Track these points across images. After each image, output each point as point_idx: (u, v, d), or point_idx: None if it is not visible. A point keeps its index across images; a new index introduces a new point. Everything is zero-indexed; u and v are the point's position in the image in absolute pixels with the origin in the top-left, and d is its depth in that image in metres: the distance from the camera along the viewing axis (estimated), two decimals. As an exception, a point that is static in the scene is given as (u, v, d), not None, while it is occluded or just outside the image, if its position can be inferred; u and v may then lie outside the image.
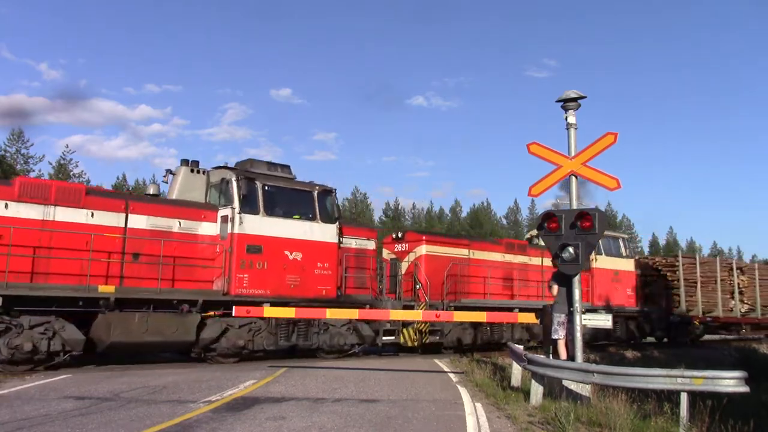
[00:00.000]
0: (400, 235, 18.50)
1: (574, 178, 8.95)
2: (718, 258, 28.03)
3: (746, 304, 26.11)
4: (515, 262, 19.57)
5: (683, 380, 6.52)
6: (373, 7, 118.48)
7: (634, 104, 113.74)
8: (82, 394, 8.61)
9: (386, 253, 18.15)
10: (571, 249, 8.38)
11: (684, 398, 6.48)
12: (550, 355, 9.98)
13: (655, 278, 24.26)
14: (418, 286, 16.82)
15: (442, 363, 13.98)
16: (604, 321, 10.56)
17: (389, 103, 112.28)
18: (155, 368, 12.17)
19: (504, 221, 76.36)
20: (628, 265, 22.49)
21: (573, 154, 8.99)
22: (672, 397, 6.89)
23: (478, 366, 12.16)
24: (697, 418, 6.34)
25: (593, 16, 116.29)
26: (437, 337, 16.62)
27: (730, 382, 6.41)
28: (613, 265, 21.62)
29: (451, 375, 11.74)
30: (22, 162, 42.20)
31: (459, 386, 10.12)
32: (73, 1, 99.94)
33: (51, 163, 42.96)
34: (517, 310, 17.61)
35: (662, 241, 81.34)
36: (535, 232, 20.62)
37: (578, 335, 8.52)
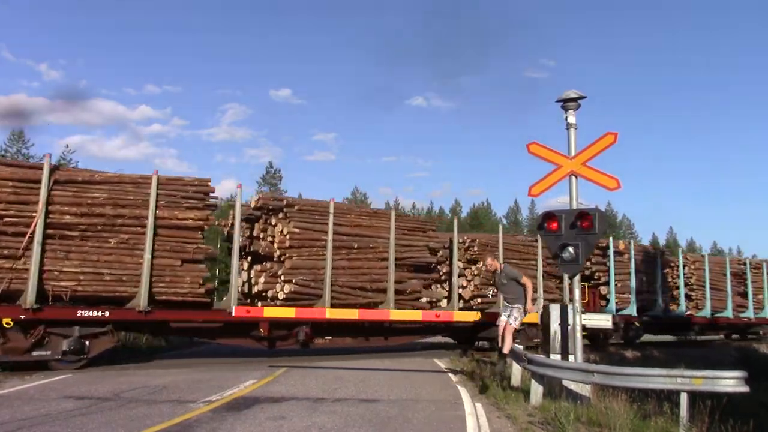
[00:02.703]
0: None
1: (574, 178, 8.95)
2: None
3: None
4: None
5: (683, 380, 6.51)
6: (372, 8, 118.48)
7: (634, 104, 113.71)
8: (82, 394, 8.61)
9: None
10: (571, 249, 8.38)
11: (684, 398, 6.47)
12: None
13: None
14: None
15: (441, 363, 13.97)
16: (604, 321, 10.59)
17: (389, 103, 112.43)
18: (155, 368, 12.18)
19: (504, 221, 76.37)
20: None
21: (573, 154, 9.00)
22: (672, 397, 6.89)
23: (478, 366, 12.16)
24: (697, 418, 6.34)
25: (593, 16, 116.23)
26: None
27: (730, 381, 6.41)
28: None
29: (451, 375, 11.74)
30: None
31: (459, 386, 10.12)
32: (74, 1, 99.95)
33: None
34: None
35: (662, 241, 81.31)
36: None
37: (578, 335, 8.52)
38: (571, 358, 8.64)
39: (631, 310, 21.27)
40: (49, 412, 7.28)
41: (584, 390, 8.07)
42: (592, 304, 20.59)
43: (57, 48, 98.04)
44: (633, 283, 21.55)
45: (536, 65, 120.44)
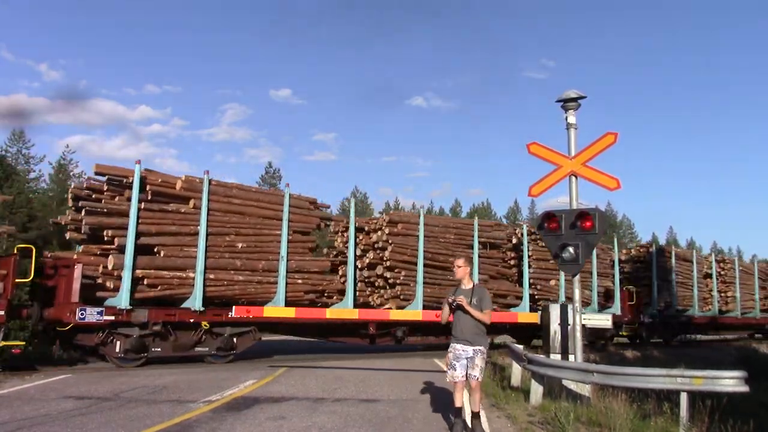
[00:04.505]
0: None
1: (574, 178, 8.95)
2: None
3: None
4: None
5: (683, 380, 6.52)
6: (372, 8, 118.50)
7: (634, 104, 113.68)
8: (82, 394, 8.61)
9: None
10: (571, 249, 8.37)
11: (684, 398, 6.47)
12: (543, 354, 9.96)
13: None
14: None
15: (442, 363, 13.96)
16: (604, 321, 10.58)
17: (388, 103, 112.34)
18: (155, 368, 12.18)
19: (504, 221, 76.35)
20: None
21: (573, 154, 9.00)
22: (672, 397, 6.89)
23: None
24: (696, 418, 6.34)
25: (593, 15, 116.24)
26: None
27: (729, 381, 6.41)
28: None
29: (451, 375, 11.72)
30: (23, 162, 42.17)
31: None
32: (73, 1, 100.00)
33: (51, 163, 42.88)
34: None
35: (662, 241, 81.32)
36: None
37: (578, 335, 8.52)
38: (571, 357, 8.64)
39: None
40: (49, 412, 7.28)
41: (584, 390, 8.07)
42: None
43: (57, 48, 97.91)
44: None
45: (536, 65, 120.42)
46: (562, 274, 18.36)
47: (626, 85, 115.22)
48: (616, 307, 21.53)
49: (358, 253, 16.80)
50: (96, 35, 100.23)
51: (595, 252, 19.72)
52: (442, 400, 8.66)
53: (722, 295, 26.13)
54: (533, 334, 18.68)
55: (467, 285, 6.45)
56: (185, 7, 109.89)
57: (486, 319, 6.27)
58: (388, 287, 16.69)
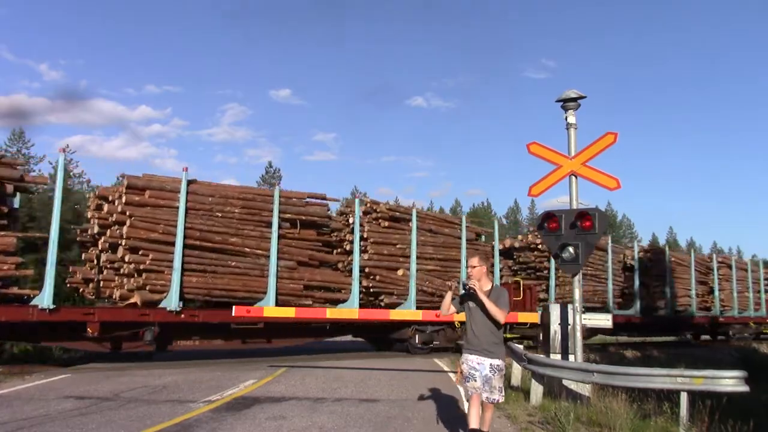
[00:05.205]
0: None
1: (574, 178, 8.95)
2: None
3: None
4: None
5: (683, 380, 6.52)
6: (372, 8, 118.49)
7: (634, 104, 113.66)
8: (82, 394, 8.61)
9: None
10: (571, 249, 8.37)
11: (684, 398, 6.48)
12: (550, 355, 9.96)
13: None
14: None
15: (442, 363, 13.98)
16: (604, 321, 10.57)
17: (388, 103, 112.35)
18: (155, 368, 12.17)
19: (504, 221, 76.33)
20: None
21: (573, 154, 9.00)
22: (672, 396, 6.88)
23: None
24: (696, 418, 6.34)
25: (593, 15, 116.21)
26: None
27: (729, 381, 6.41)
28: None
29: (451, 375, 11.72)
30: (23, 162, 42.19)
31: (459, 386, 10.11)
32: (73, 1, 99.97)
33: (51, 163, 42.84)
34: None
35: (662, 241, 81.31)
36: None
37: (578, 335, 8.52)
38: (571, 357, 8.64)
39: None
40: (49, 412, 7.28)
41: (584, 390, 8.08)
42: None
43: (57, 48, 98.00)
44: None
45: (536, 65, 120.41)
46: (414, 262, 16.07)
47: (626, 85, 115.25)
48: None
49: (96, 230, 13.24)
50: (96, 35, 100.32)
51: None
52: (442, 400, 8.66)
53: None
54: (386, 336, 16.77)
55: (486, 286, 5.40)
56: (185, 7, 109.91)
57: (500, 316, 5.24)
58: (136, 275, 12.64)
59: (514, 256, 20.96)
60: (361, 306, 15.20)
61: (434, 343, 16.87)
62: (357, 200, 16.16)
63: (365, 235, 15.88)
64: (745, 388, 6.39)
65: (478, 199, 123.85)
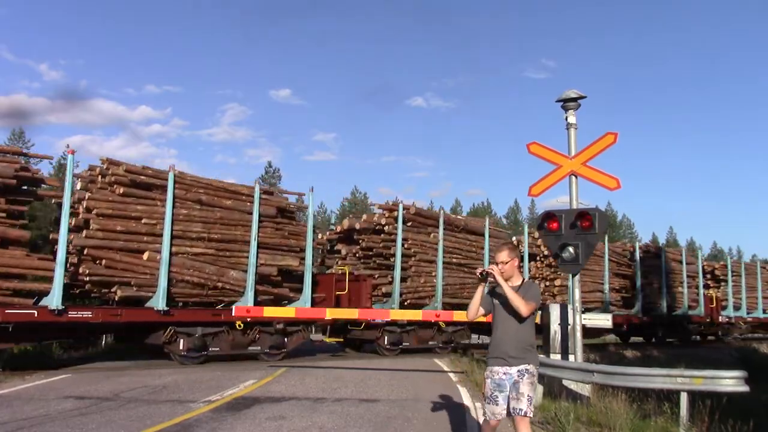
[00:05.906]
0: None
1: (574, 178, 8.95)
2: None
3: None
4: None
5: (683, 380, 6.52)
6: (372, 8, 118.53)
7: (634, 104, 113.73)
8: (81, 394, 8.61)
9: None
10: (571, 249, 8.38)
11: (684, 398, 6.48)
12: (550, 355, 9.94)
13: None
14: None
15: (442, 363, 13.99)
16: (604, 321, 10.59)
17: (388, 103, 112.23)
18: (155, 368, 12.17)
19: (504, 221, 76.38)
20: None
21: (573, 154, 9.00)
22: (672, 396, 6.89)
23: (477, 365, 12.16)
24: (696, 418, 6.34)
25: (593, 15, 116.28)
26: None
27: (729, 381, 6.42)
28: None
29: (451, 375, 11.74)
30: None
31: (459, 386, 10.12)
32: (73, 1, 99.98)
33: (51, 163, 42.92)
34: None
35: (662, 241, 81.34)
36: None
37: (578, 335, 8.52)
38: (571, 357, 8.65)
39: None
40: (49, 412, 7.28)
41: (584, 390, 8.08)
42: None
43: (57, 48, 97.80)
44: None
45: (536, 65, 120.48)
46: (167, 243, 12.47)
47: (626, 85, 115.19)
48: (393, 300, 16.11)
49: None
50: (96, 35, 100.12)
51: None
52: (442, 400, 8.67)
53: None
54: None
55: (515, 282, 4.50)
56: (185, 7, 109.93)
57: (523, 308, 4.27)
58: None
59: (358, 241, 17.36)
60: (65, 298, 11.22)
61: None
62: (70, 156, 11.70)
63: (89, 205, 12.21)
64: (745, 388, 6.39)
65: (479, 199, 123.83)
